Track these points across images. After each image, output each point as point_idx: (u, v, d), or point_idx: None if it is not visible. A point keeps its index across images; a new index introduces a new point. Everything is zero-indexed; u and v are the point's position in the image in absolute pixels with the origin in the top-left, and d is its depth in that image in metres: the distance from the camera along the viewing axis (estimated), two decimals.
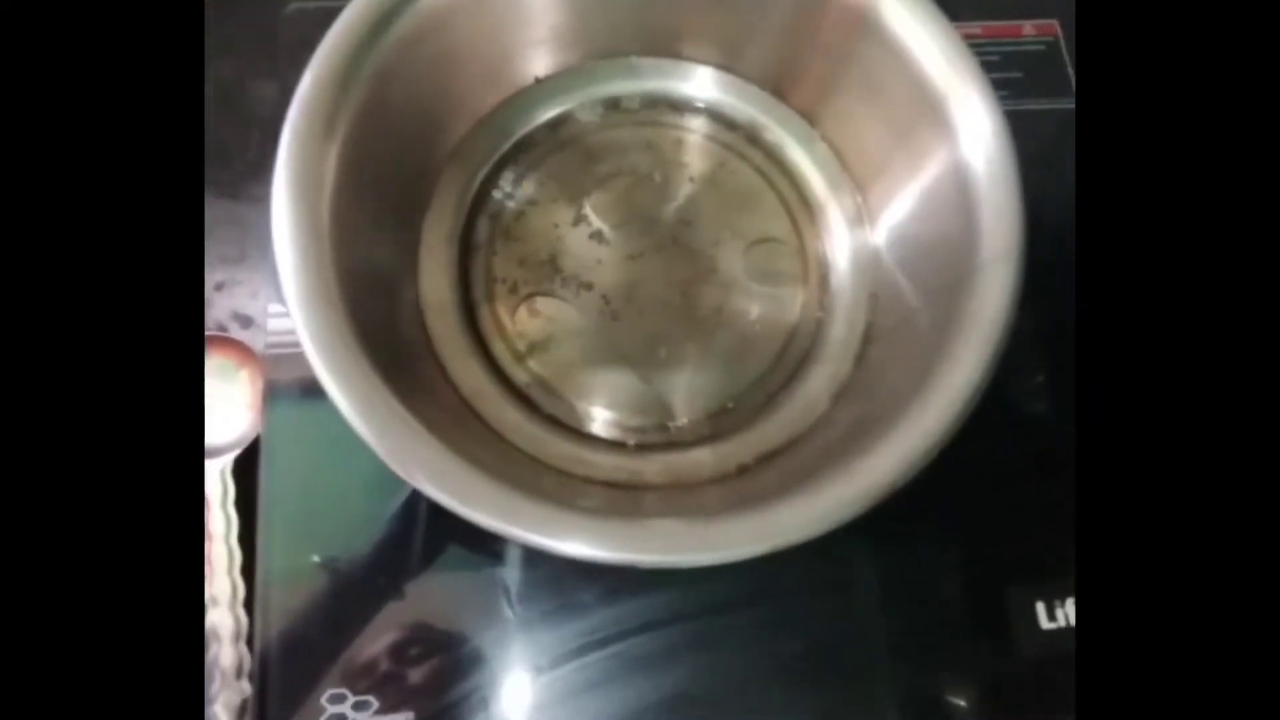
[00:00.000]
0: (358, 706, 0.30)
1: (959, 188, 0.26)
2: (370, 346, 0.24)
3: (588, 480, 0.28)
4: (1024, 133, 0.41)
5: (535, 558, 0.32)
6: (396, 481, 0.32)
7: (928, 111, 0.27)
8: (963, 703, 0.31)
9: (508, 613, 0.31)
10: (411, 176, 0.31)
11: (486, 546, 0.32)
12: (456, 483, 0.22)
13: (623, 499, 0.28)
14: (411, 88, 0.29)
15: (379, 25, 0.27)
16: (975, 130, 0.26)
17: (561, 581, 0.32)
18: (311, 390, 0.34)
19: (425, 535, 0.32)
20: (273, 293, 0.37)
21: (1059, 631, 0.32)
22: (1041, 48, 0.43)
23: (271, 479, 0.33)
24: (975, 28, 0.43)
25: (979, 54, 0.42)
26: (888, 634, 0.32)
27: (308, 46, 0.41)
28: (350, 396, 0.22)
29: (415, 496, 0.32)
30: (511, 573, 0.32)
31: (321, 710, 0.30)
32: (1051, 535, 0.33)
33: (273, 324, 0.35)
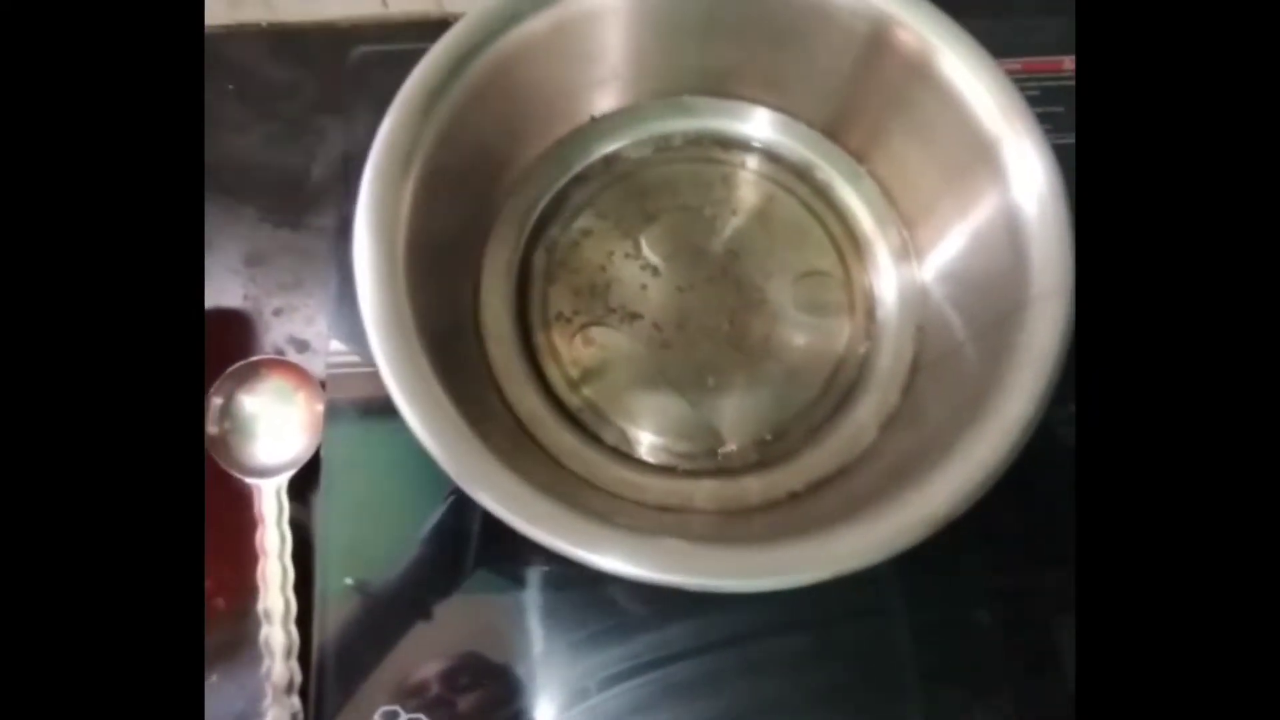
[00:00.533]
0: None
1: (1009, 228, 0.26)
2: (439, 372, 0.25)
3: (639, 504, 0.29)
4: (1064, 166, 0.42)
5: (557, 582, 0.33)
6: (432, 504, 0.33)
7: (980, 155, 0.28)
8: None
9: (536, 636, 0.32)
10: (475, 211, 0.33)
11: (511, 570, 0.33)
12: (522, 504, 0.22)
13: (673, 523, 0.28)
14: (479, 129, 0.30)
15: (453, 71, 0.29)
16: (1027, 174, 0.27)
17: (586, 609, 0.32)
18: (369, 411, 0.36)
19: (454, 557, 0.33)
20: (328, 318, 0.38)
21: None
22: None
23: (329, 498, 0.34)
24: (1016, 64, 0.44)
25: (1020, 88, 0.44)
26: (919, 663, 0.32)
27: (370, 87, 0.43)
28: (424, 420, 0.23)
29: (445, 519, 0.34)
30: (533, 596, 0.33)
31: None
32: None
33: (335, 345, 0.36)
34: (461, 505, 0.33)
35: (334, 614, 0.33)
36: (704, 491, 0.30)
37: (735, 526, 0.28)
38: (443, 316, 0.29)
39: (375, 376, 0.25)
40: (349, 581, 0.33)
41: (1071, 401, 0.36)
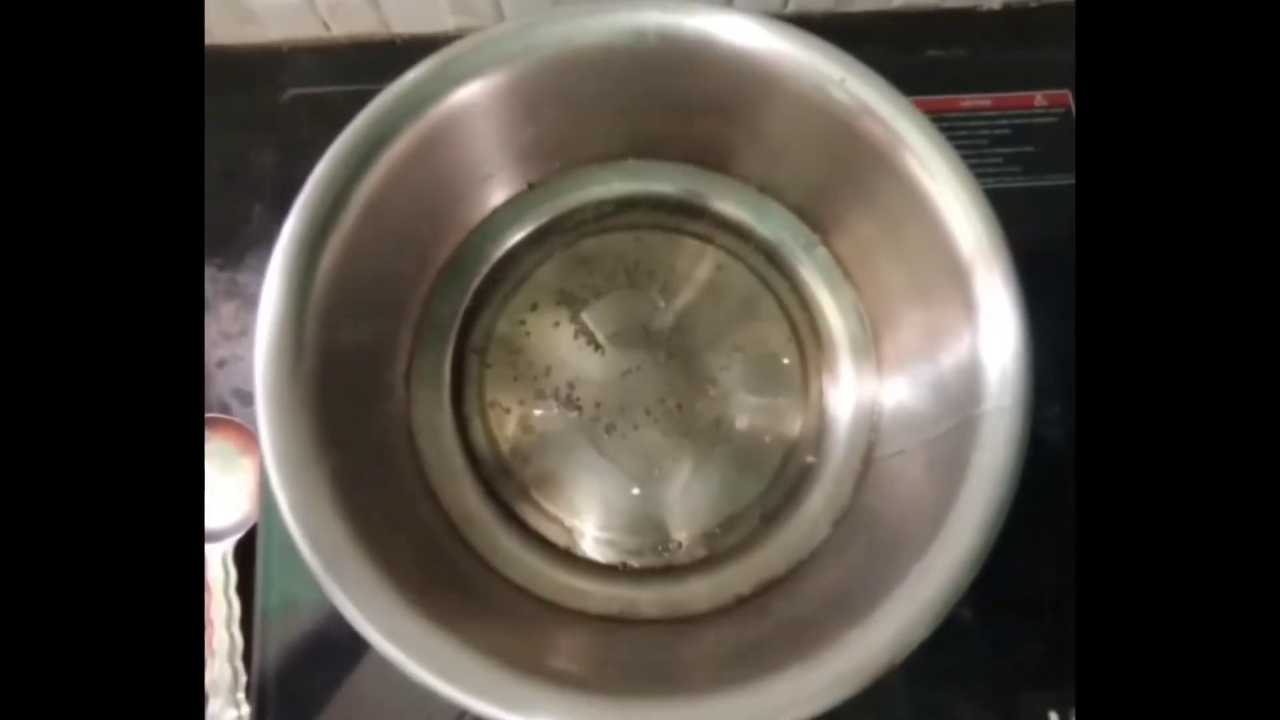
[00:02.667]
0: None
1: (970, 343, 0.25)
2: (347, 486, 0.23)
3: (580, 613, 0.28)
4: (1038, 209, 0.40)
5: None
6: None
7: (950, 274, 0.26)
8: None
9: None
10: (400, 295, 0.31)
11: None
12: (431, 655, 0.21)
13: (613, 644, 0.27)
14: (402, 206, 0.28)
15: (376, 143, 0.27)
16: (996, 308, 0.25)
17: None
18: None
19: None
20: None
21: None
22: (1053, 120, 0.42)
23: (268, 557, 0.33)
24: (986, 99, 0.42)
25: (989, 126, 0.42)
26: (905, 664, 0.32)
27: (304, 125, 0.41)
28: (332, 575, 0.22)
29: None
30: None
31: None
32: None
33: None
34: None
35: (277, 678, 0.32)
36: (650, 595, 0.29)
37: (678, 647, 0.27)
38: (359, 409, 0.27)
39: None
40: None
41: (1057, 402, 0.36)
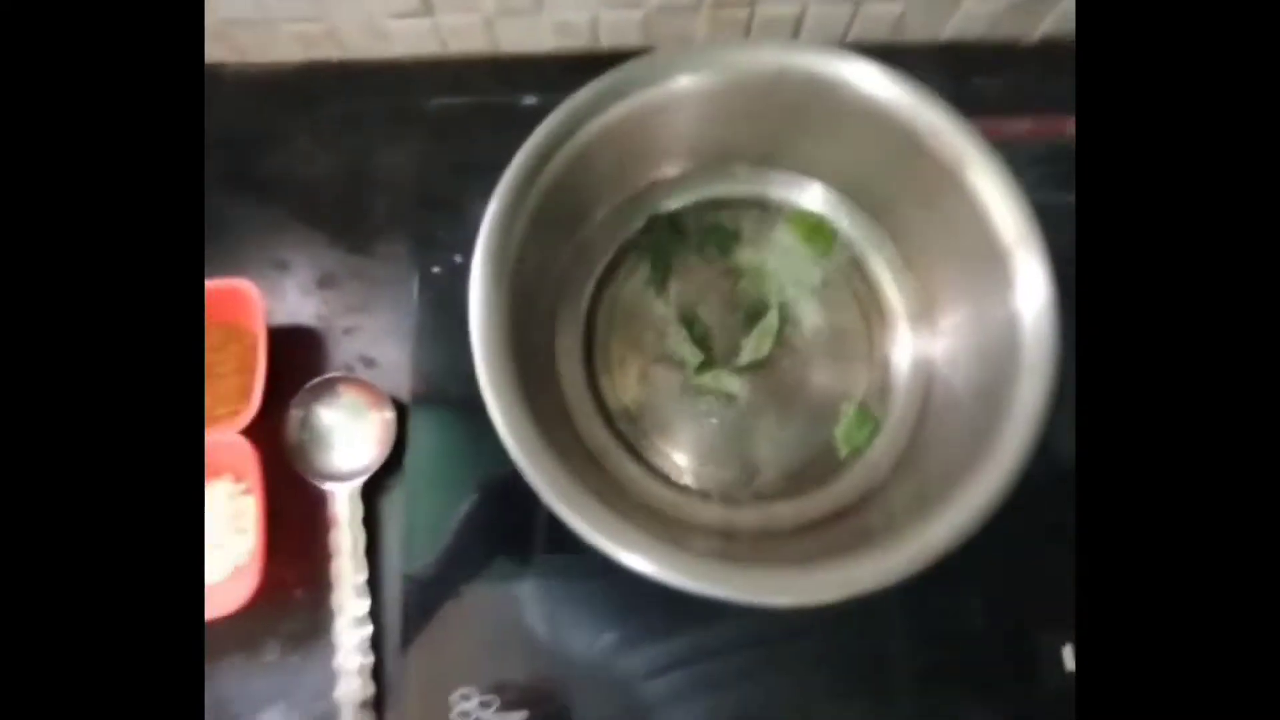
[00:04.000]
0: (483, 705, 0.35)
1: (1010, 317, 0.31)
2: (533, 409, 0.29)
3: (693, 525, 0.34)
4: (1069, 221, 0.45)
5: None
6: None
7: (993, 259, 0.32)
8: None
9: (607, 630, 0.36)
10: (552, 268, 0.38)
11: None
12: (609, 527, 0.27)
13: (722, 544, 0.33)
14: (569, 192, 0.35)
15: (546, 155, 0.33)
16: (1032, 285, 0.31)
17: (660, 606, 0.37)
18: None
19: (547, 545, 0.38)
20: (393, 337, 0.43)
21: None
22: None
23: (407, 496, 0.39)
24: (1024, 123, 0.48)
25: (1027, 149, 0.47)
26: (917, 665, 0.36)
27: (441, 133, 0.47)
28: (529, 459, 0.28)
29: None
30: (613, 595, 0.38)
31: (449, 706, 0.35)
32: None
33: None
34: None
35: (402, 604, 0.37)
36: (745, 517, 0.35)
37: (771, 548, 0.33)
38: (531, 362, 0.33)
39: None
40: (405, 573, 0.37)
41: (1065, 412, 0.41)
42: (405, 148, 0.48)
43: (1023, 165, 0.47)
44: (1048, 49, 0.50)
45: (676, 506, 0.35)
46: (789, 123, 0.37)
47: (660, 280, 0.41)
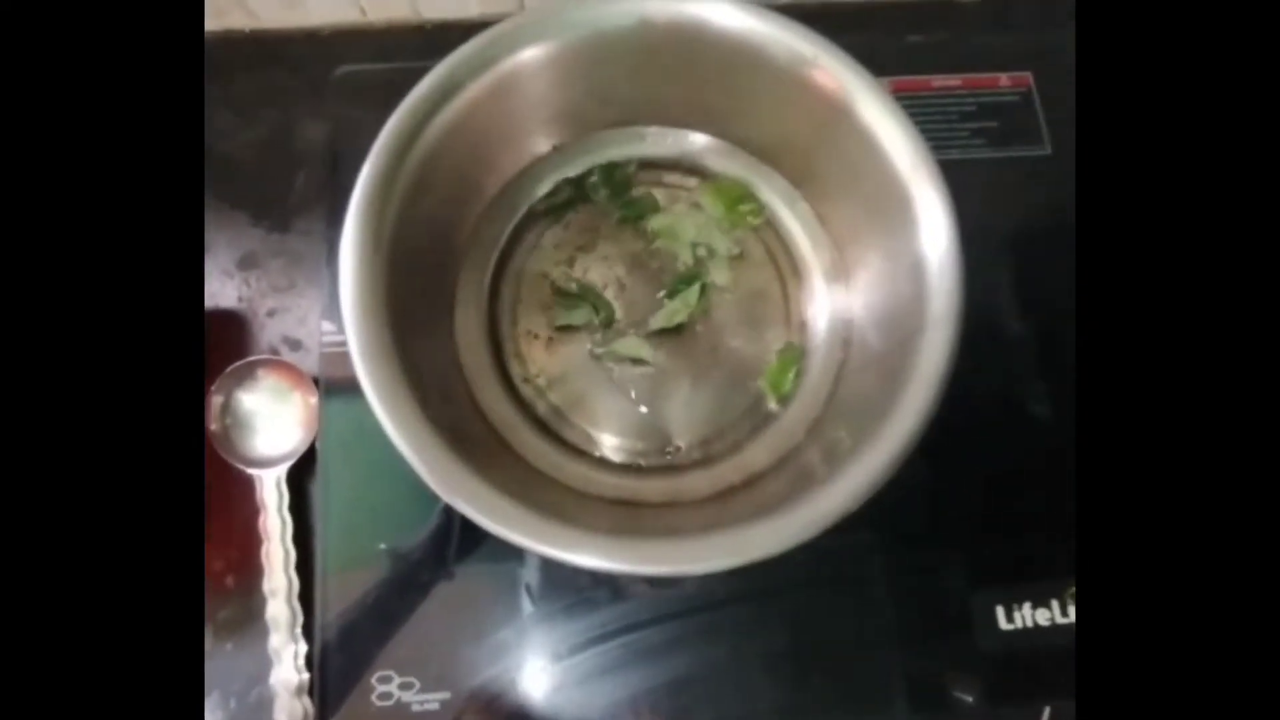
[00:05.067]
0: (403, 686, 0.35)
1: (915, 264, 0.31)
2: (416, 383, 0.29)
3: (599, 499, 0.33)
4: (1002, 177, 0.45)
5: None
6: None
7: (895, 198, 0.31)
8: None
9: (527, 606, 0.36)
10: (449, 235, 0.37)
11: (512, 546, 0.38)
12: (490, 506, 0.27)
13: (625, 516, 0.33)
14: (450, 160, 0.34)
15: (426, 115, 0.32)
16: (933, 223, 0.31)
17: (576, 580, 0.37)
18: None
19: (462, 531, 0.37)
20: (320, 316, 0.42)
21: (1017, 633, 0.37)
22: (1016, 98, 0.47)
23: (328, 481, 0.38)
24: (955, 79, 0.47)
25: (958, 104, 0.47)
26: (881, 628, 0.37)
27: (354, 100, 0.45)
28: (407, 439, 0.27)
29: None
30: (532, 572, 0.37)
31: (371, 689, 0.35)
32: (1032, 542, 0.38)
33: (326, 326, 0.40)
34: None
35: (334, 589, 0.37)
36: (654, 486, 0.34)
37: (679, 519, 0.33)
38: (421, 330, 0.32)
39: None
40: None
41: (1042, 379, 0.41)
42: (326, 119, 0.46)
43: (954, 120, 0.48)
44: (987, 5, 0.50)
45: (583, 480, 0.34)
46: (677, 79, 0.36)
47: (569, 247, 0.39)
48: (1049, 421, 0.40)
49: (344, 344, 0.29)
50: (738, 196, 0.39)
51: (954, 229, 0.30)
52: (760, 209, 0.39)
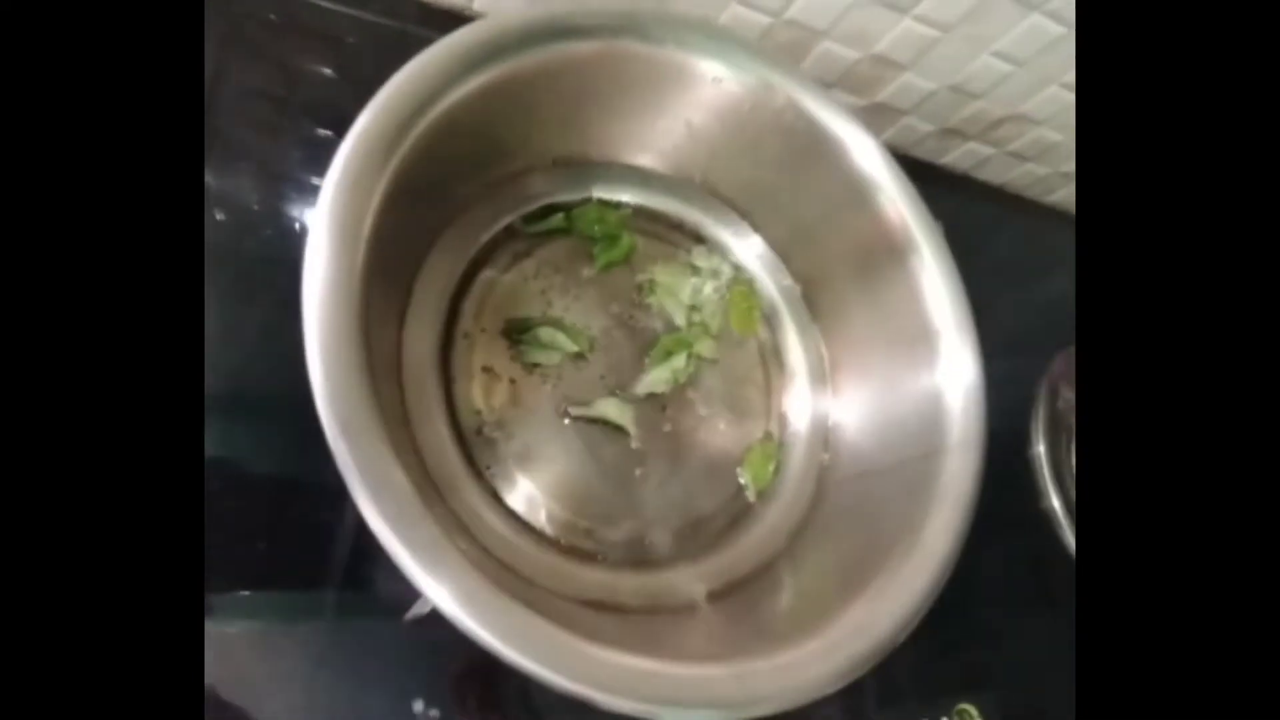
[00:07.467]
0: None
1: (934, 393, 0.30)
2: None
3: (568, 599, 0.27)
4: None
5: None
6: None
7: (922, 337, 0.31)
8: None
9: None
10: (415, 235, 0.29)
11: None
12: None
13: (597, 620, 0.26)
14: (432, 165, 0.27)
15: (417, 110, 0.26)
16: (960, 365, 0.30)
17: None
18: None
19: None
20: None
21: None
22: None
23: None
24: None
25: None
26: None
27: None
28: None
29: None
30: None
31: None
32: None
33: None
34: None
35: None
36: (629, 585, 0.29)
37: (660, 626, 0.27)
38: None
39: None
40: None
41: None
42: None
43: None
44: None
45: (551, 575, 0.27)
46: (738, 149, 0.33)
47: (549, 278, 0.33)
48: None
49: None
50: (742, 292, 0.37)
51: (980, 370, 0.30)
52: (758, 308, 0.37)
